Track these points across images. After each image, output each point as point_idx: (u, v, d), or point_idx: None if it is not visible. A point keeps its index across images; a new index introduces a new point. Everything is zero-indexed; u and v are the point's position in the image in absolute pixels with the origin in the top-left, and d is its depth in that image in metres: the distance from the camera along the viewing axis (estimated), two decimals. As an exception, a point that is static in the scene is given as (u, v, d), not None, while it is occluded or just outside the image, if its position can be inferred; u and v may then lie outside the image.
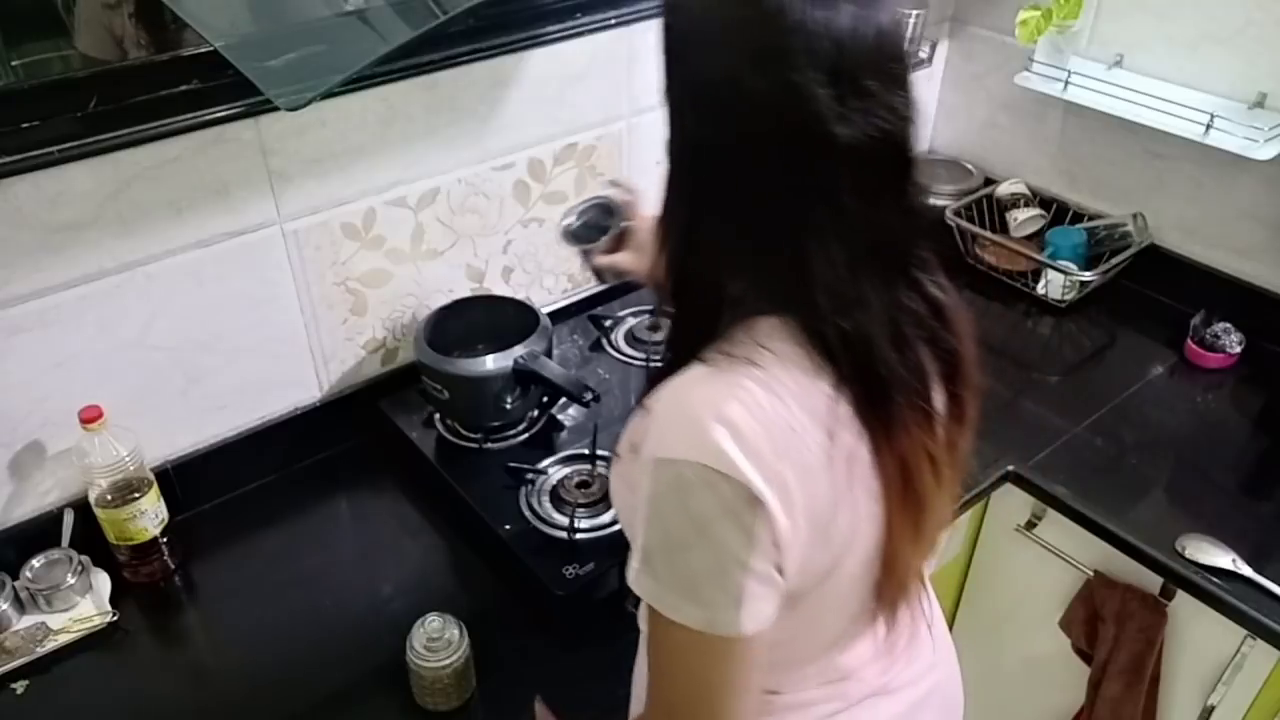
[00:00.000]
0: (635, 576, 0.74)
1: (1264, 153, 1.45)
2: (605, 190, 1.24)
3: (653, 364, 0.85)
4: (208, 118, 1.13)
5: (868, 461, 0.74)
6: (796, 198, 0.68)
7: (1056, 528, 1.40)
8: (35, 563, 1.17)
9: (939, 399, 0.79)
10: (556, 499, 1.24)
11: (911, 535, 0.78)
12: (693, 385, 0.71)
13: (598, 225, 1.23)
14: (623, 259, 1.20)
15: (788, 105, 0.65)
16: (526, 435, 1.37)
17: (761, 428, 0.68)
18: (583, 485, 1.25)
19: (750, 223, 0.70)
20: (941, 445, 0.79)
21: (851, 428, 0.72)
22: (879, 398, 0.73)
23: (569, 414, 1.41)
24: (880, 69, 0.67)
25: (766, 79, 0.65)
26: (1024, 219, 1.83)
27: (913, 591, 0.86)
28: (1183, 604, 1.30)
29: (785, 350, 0.72)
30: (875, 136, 0.67)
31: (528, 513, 1.22)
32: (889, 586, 0.81)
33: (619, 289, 1.68)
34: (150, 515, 1.19)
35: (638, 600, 0.76)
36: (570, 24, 1.39)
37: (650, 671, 0.78)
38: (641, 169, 1.60)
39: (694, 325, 0.75)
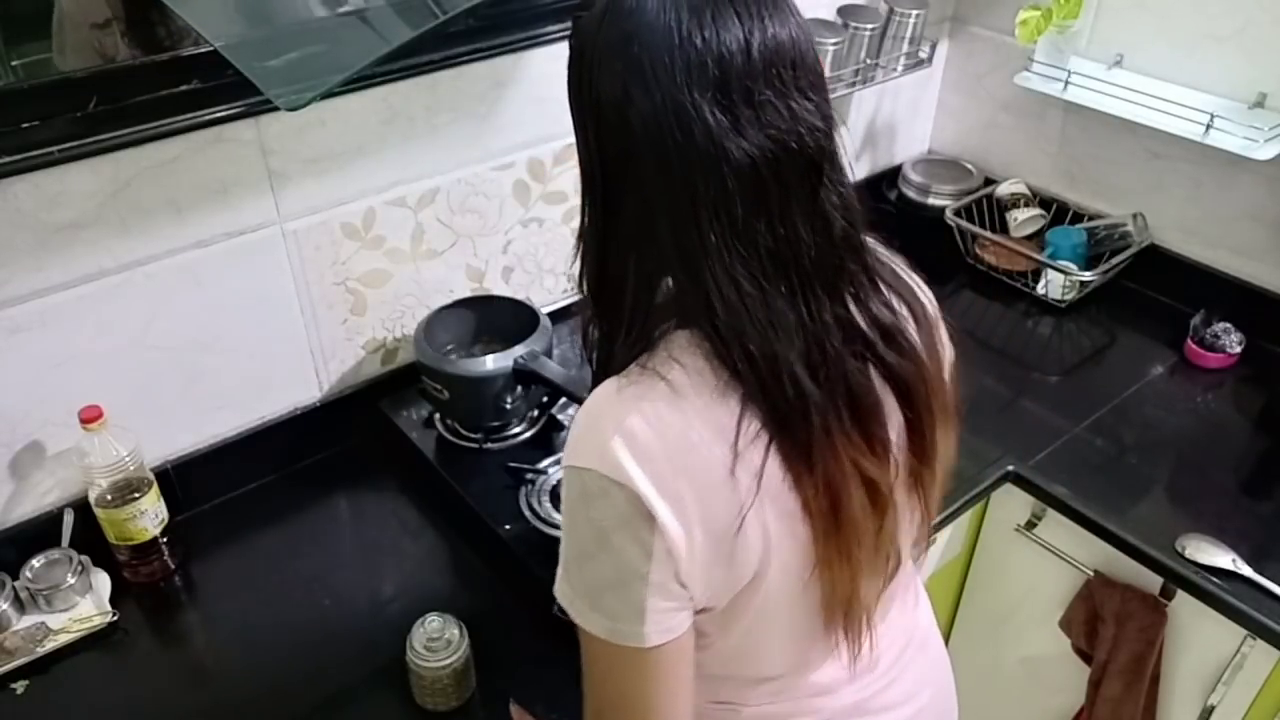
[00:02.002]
0: (557, 583, 0.75)
1: (1264, 153, 1.45)
2: None
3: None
4: (208, 118, 1.13)
5: (776, 479, 0.71)
6: (694, 215, 0.67)
7: (1056, 528, 1.40)
8: (35, 563, 1.17)
9: (893, 420, 0.77)
10: (556, 499, 1.24)
11: (842, 561, 0.75)
12: (603, 398, 0.72)
13: None
14: None
15: (676, 124, 0.65)
16: (526, 435, 1.37)
17: (659, 440, 0.69)
18: (583, 485, 1.25)
19: (654, 239, 0.70)
20: (888, 469, 0.75)
21: (759, 443, 0.70)
22: (791, 420, 0.70)
23: (569, 414, 1.41)
24: (777, 80, 0.66)
25: (653, 98, 0.65)
26: (1024, 219, 1.83)
27: (858, 617, 0.81)
28: (1183, 604, 1.30)
29: (696, 365, 0.71)
30: (774, 150, 0.66)
31: (528, 513, 1.22)
32: (831, 611, 0.79)
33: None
34: (150, 515, 1.19)
35: (559, 606, 0.76)
36: (570, 24, 1.38)
37: (583, 677, 0.78)
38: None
39: (613, 336, 0.76)
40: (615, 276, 0.74)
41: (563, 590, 0.75)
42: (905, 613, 0.94)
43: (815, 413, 0.71)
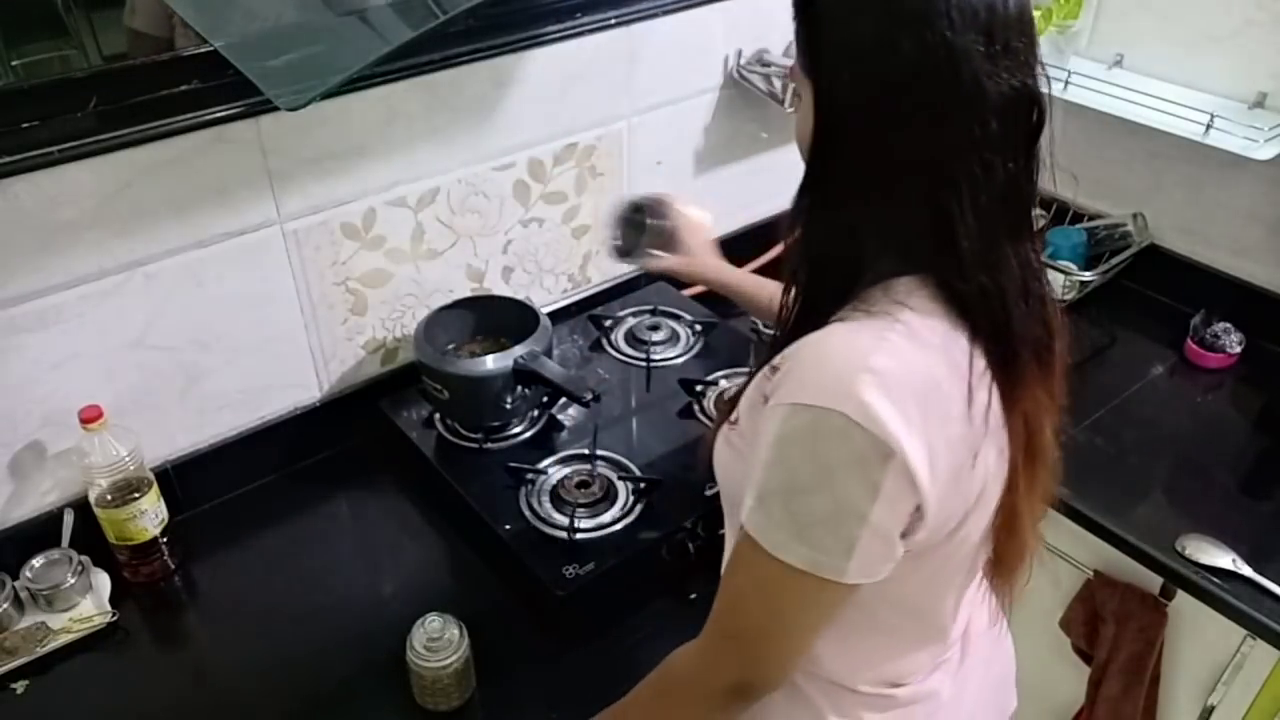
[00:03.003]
0: (748, 515, 0.74)
1: (1264, 153, 1.45)
2: (628, 196, 1.26)
3: (765, 333, 0.88)
4: (208, 118, 1.13)
5: (998, 416, 0.75)
6: (944, 154, 0.70)
7: (1056, 528, 1.40)
8: (35, 563, 1.17)
9: (1050, 355, 0.81)
10: (556, 499, 1.24)
11: (1030, 490, 0.81)
12: (837, 337, 0.73)
13: (638, 226, 1.26)
14: (674, 263, 1.26)
15: (947, 63, 0.68)
16: (526, 435, 1.37)
17: (907, 377, 0.69)
18: (583, 485, 1.25)
19: (897, 181, 0.72)
20: (1054, 399, 0.82)
21: (984, 383, 0.73)
22: (1010, 352, 0.74)
23: (569, 414, 1.41)
24: (1023, 30, 0.71)
25: (923, 39, 0.67)
26: (1024, 219, 1.83)
27: (1030, 551, 0.87)
28: (1183, 604, 1.30)
29: (925, 306, 0.73)
30: (1020, 92, 0.70)
31: (528, 513, 1.22)
32: (1011, 545, 0.83)
33: (618, 289, 1.69)
34: (150, 515, 1.19)
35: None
36: (570, 24, 1.39)
37: (721, 603, 0.78)
38: (642, 169, 1.61)
39: (830, 290, 0.77)
40: (845, 227, 0.75)
41: (757, 520, 0.74)
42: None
43: (1026, 348, 0.76)
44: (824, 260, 0.78)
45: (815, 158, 0.76)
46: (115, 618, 1.16)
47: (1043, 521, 0.91)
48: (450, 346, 1.42)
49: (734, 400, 0.84)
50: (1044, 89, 0.73)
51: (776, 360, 0.75)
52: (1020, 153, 0.73)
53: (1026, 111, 0.72)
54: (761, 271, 1.81)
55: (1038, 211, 1.81)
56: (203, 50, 1.08)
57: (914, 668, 0.90)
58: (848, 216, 0.75)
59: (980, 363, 0.73)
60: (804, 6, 0.74)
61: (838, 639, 0.80)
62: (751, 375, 0.81)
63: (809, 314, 0.77)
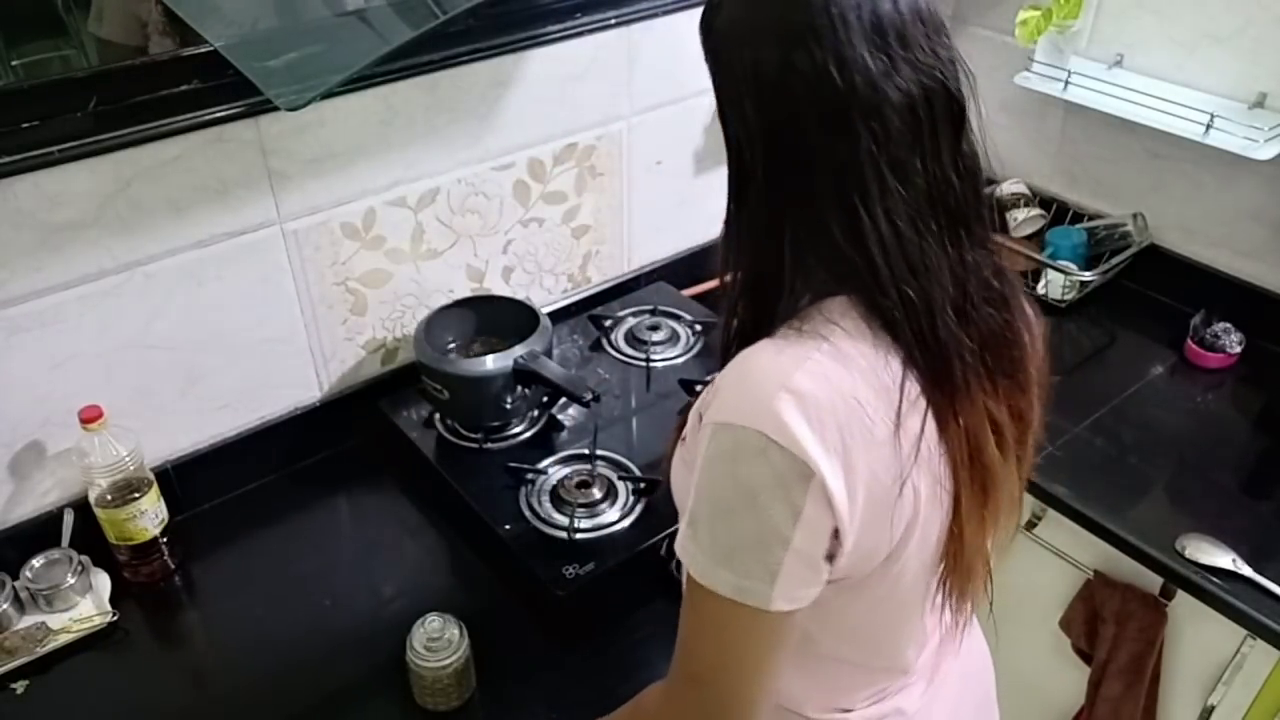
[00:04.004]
0: (680, 541, 0.74)
1: (1264, 153, 1.45)
2: None
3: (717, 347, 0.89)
4: (208, 118, 1.13)
5: (932, 443, 0.73)
6: (851, 166, 0.69)
7: (1056, 528, 1.40)
8: (35, 563, 1.17)
9: (1004, 363, 0.79)
10: (556, 499, 1.24)
11: (979, 513, 0.78)
12: (760, 355, 0.72)
13: None
14: None
15: (839, 74, 0.67)
16: (526, 435, 1.37)
17: (827, 399, 0.68)
18: (583, 485, 1.25)
19: (813, 199, 0.71)
20: (1006, 412, 0.78)
21: (918, 408, 0.72)
22: (942, 365, 0.73)
23: (569, 414, 1.41)
24: (923, 23, 0.70)
25: (813, 56, 0.67)
26: (1024, 219, 1.83)
27: (980, 577, 0.85)
28: (1183, 604, 1.30)
29: (856, 327, 0.72)
30: (927, 86, 0.69)
31: (528, 513, 1.22)
32: (956, 571, 0.81)
33: (618, 289, 1.69)
34: (150, 515, 1.19)
35: (679, 563, 0.76)
36: (570, 24, 1.39)
37: (680, 641, 0.78)
38: (642, 169, 1.61)
39: (765, 313, 0.76)
40: (772, 251, 0.74)
41: (687, 546, 0.73)
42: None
43: (965, 358, 0.73)
44: (755, 284, 0.77)
45: (733, 185, 0.76)
46: (115, 618, 1.16)
47: (1005, 542, 0.89)
48: (450, 346, 1.42)
49: (684, 417, 0.84)
50: (959, 79, 0.72)
51: (714, 378, 0.75)
52: (943, 150, 0.71)
53: (943, 106, 0.71)
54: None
55: (1037, 211, 1.82)
56: (203, 50, 1.08)
57: (872, 693, 0.89)
58: (771, 239, 0.74)
59: (913, 388, 0.72)
60: (704, 41, 0.75)
61: (787, 668, 0.78)
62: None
63: (747, 338, 0.77)
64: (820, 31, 0.67)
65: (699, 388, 1.41)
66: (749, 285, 0.77)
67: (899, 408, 0.71)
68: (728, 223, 0.77)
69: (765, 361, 0.71)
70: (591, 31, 1.41)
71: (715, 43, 0.73)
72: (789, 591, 0.71)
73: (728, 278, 0.79)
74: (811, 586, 0.72)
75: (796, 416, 0.67)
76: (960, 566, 0.80)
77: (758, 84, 0.70)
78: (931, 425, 0.73)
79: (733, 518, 0.70)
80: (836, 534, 0.70)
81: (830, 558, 0.72)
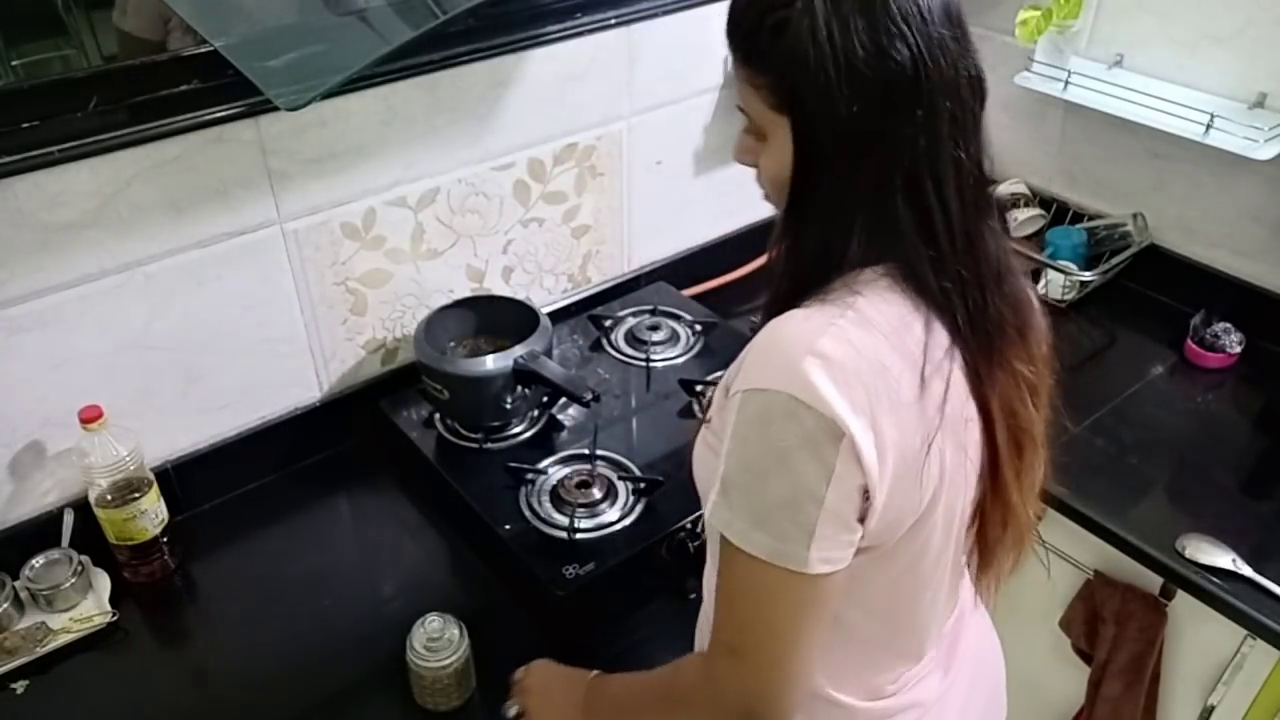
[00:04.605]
0: (712, 509, 0.75)
1: (1264, 153, 1.45)
2: None
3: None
4: (208, 118, 1.13)
5: (959, 408, 0.76)
6: (930, 149, 0.72)
7: (1056, 528, 1.40)
8: (35, 563, 1.17)
9: (1027, 328, 0.83)
10: (556, 499, 1.24)
11: (1015, 467, 0.81)
12: (787, 323, 0.74)
13: None
14: None
15: (930, 60, 0.71)
16: (526, 435, 1.37)
17: (853, 361, 0.70)
18: (583, 485, 1.25)
19: (886, 186, 0.73)
20: (1029, 373, 0.83)
21: (941, 373, 0.74)
22: (988, 336, 0.76)
23: (569, 414, 1.41)
24: (958, 19, 0.74)
25: (909, 40, 0.70)
26: (1024, 219, 1.83)
27: (1028, 541, 0.88)
28: (1183, 604, 1.30)
29: (882, 295, 0.75)
30: (978, 74, 0.75)
31: (528, 513, 1.22)
32: (1005, 534, 0.84)
33: (618, 289, 1.69)
34: (150, 515, 1.19)
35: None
36: (570, 24, 1.39)
37: (717, 612, 0.78)
38: (642, 168, 1.61)
39: (812, 283, 0.77)
40: (838, 233, 0.76)
41: (720, 512, 0.74)
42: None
43: (1003, 327, 0.78)
44: (814, 261, 0.78)
45: (802, 184, 0.76)
46: (115, 618, 1.16)
47: (1038, 512, 0.91)
48: (450, 346, 1.42)
49: (709, 399, 0.85)
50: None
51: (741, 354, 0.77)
52: (978, 133, 0.76)
53: (980, 95, 0.76)
54: (761, 271, 1.82)
55: (1037, 211, 1.82)
56: (203, 50, 1.08)
57: (894, 677, 0.90)
58: (840, 221, 0.75)
59: (938, 353, 0.74)
60: (768, 43, 0.73)
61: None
62: None
63: (784, 308, 0.78)
64: (909, 17, 0.70)
65: (699, 387, 1.42)
66: (805, 262, 0.78)
67: (922, 371, 0.73)
68: (792, 205, 0.78)
69: (792, 328, 0.73)
70: (591, 31, 1.41)
71: (797, 48, 0.72)
72: (825, 553, 0.72)
73: (776, 253, 0.81)
74: (846, 548, 0.73)
75: (824, 378, 0.69)
76: (1009, 527, 0.83)
77: (851, 75, 0.70)
78: (960, 390, 0.76)
79: (766, 480, 0.71)
80: (867, 494, 0.72)
81: (862, 519, 0.73)
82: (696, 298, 1.69)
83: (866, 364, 0.71)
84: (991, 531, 0.84)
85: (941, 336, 0.75)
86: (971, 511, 0.83)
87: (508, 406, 1.32)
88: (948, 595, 0.90)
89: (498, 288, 1.53)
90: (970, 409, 0.78)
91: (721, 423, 0.77)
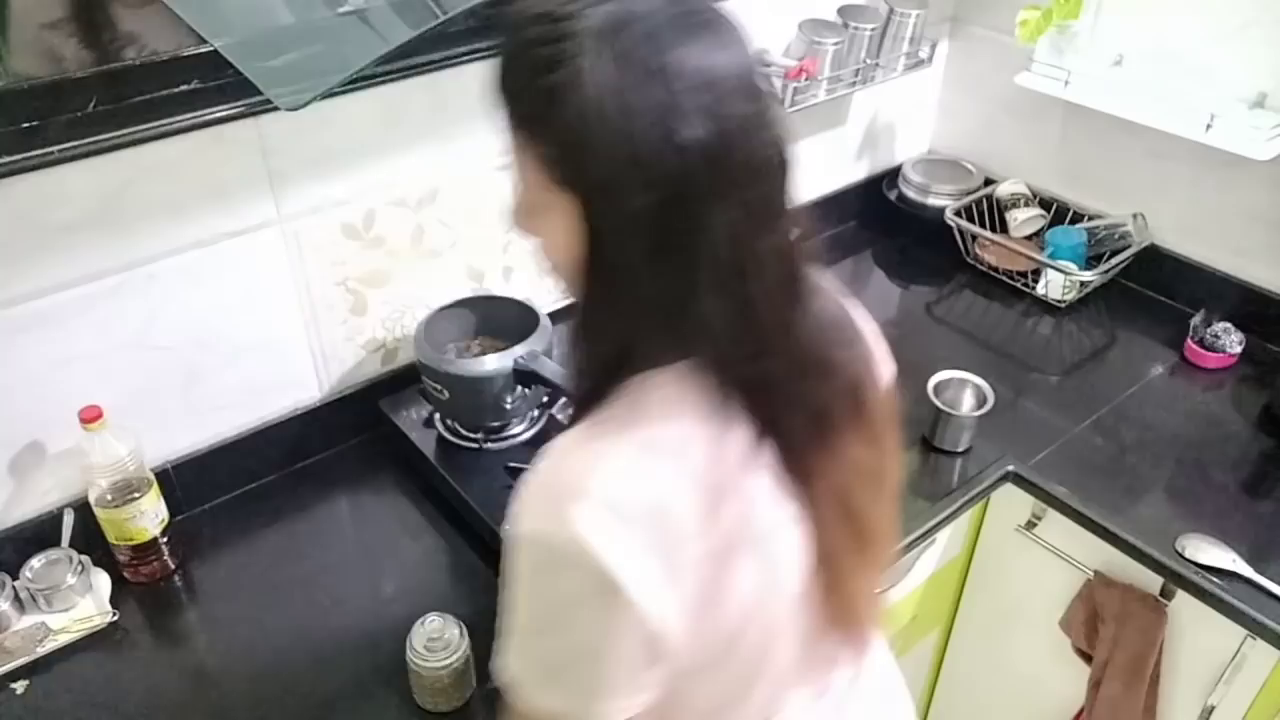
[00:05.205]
0: (505, 658, 0.71)
1: (1264, 153, 1.45)
2: None
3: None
4: (208, 118, 1.13)
5: (765, 520, 0.70)
6: (732, 234, 0.65)
7: (1056, 528, 1.40)
8: (35, 563, 1.17)
9: (863, 405, 0.76)
10: (556, 499, 1.23)
11: (854, 561, 0.76)
12: (562, 453, 0.69)
13: None
14: None
15: (723, 143, 0.63)
16: (526, 435, 1.37)
17: (631, 499, 0.65)
18: (583, 485, 1.24)
19: (690, 274, 0.66)
20: (869, 452, 0.76)
21: (739, 489, 0.68)
22: (804, 431, 0.70)
23: (569, 414, 1.40)
24: (756, 91, 0.66)
25: (699, 126, 0.62)
26: (1024, 219, 1.83)
27: (869, 621, 0.82)
28: (1183, 604, 1.30)
29: (678, 403, 0.68)
30: (776, 151, 0.67)
31: (528, 513, 1.22)
32: (840, 619, 0.78)
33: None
34: (150, 515, 1.19)
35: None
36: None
37: None
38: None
39: (602, 387, 0.71)
40: (633, 330, 0.70)
41: (511, 666, 0.70)
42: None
43: (826, 417, 0.71)
44: (604, 368, 0.72)
45: (593, 276, 0.69)
46: (115, 618, 1.16)
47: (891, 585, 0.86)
48: (450, 346, 1.42)
49: None
50: (788, 140, 0.69)
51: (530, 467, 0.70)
52: (785, 206, 0.69)
53: (784, 163, 0.68)
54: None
55: (1037, 211, 1.82)
56: (203, 50, 1.08)
57: None
58: (634, 326, 0.69)
59: (733, 466, 0.68)
60: (541, 110, 0.65)
61: None
62: None
63: (583, 413, 0.72)
64: (700, 96, 0.62)
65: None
66: (601, 363, 0.72)
67: (714, 490, 0.66)
68: (584, 298, 0.71)
69: (563, 461, 0.68)
70: (591, 31, 1.41)
71: (574, 123, 0.63)
72: (620, 701, 0.68)
73: (580, 356, 0.74)
74: (644, 691, 0.69)
75: (596, 525, 0.64)
76: (842, 615, 0.78)
77: (636, 161, 0.62)
78: (766, 498, 0.69)
79: (549, 636, 0.68)
80: (656, 638, 0.66)
81: (657, 661, 0.68)
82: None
83: (645, 500, 0.65)
84: (839, 616, 0.78)
85: (741, 443, 0.68)
86: (811, 604, 0.76)
87: (508, 406, 1.32)
88: (797, 680, 0.82)
89: (498, 288, 1.53)
90: (782, 513, 0.71)
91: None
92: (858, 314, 0.83)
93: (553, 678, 0.69)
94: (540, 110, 0.65)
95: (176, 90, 1.10)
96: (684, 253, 0.65)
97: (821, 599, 0.76)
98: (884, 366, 0.84)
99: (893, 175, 1.98)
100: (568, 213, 0.67)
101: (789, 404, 0.70)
